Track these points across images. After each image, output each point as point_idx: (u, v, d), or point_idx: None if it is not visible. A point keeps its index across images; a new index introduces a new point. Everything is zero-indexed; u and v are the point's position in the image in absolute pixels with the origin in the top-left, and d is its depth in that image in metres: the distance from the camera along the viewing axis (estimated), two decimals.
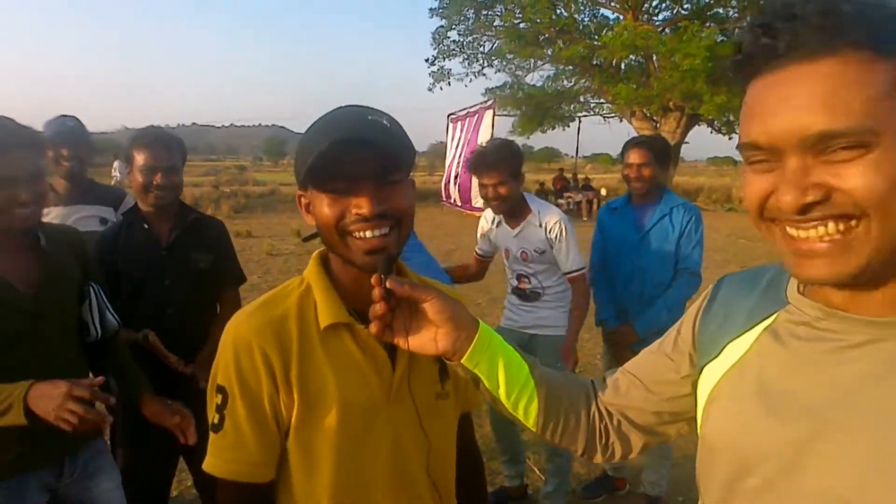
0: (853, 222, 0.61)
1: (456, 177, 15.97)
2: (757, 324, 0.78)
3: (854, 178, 0.59)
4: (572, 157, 22.50)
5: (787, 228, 0.65)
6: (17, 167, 1.53)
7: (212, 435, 0.98)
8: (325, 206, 0.90)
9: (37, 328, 1.54)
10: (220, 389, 0.96)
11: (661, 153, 2.85)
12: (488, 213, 2.98)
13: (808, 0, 0.60)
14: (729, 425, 0.77)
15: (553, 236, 2.68)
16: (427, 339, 0.88)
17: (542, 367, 0.97)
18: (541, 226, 2.70)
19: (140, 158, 2.12)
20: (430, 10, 21.70)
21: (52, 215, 2.50)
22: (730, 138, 19.21)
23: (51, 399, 1.44)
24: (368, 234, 0.90)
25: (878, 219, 0.59)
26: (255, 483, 0.96)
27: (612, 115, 21.28)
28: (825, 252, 0.62)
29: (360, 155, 0.87)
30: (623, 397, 0.97)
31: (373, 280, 0.84)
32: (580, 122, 21.34)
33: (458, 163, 17.09)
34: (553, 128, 22.72)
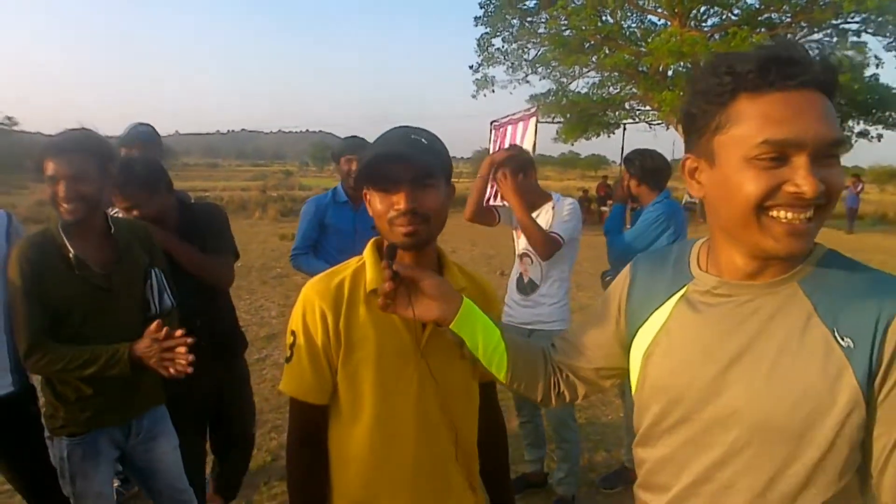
0: (815, 210, 0.84)
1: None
2: (673, 294, 1.03)
3: (835, 177, 0.83)
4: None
5: (786, 213, 0.83)
6: (66, 166, 1.78)
7: (285, 365, 1.29)
8: (377, 202, 1.20)
9: (109, 302, 1.80)
10: (292, 333, 1.27)
11: (648, 170, 3.09)
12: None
13: (813, 50, 0.85)
14: (661, 374, 1.02)
15: (558, 209, 2.87)
16: (426, 309, 1.15)
17: (510, 333, 1.24)
18: (554, 209, 2.89)
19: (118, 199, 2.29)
20: (476, 18, 21.89)
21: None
22: None
23: (149, 350, 1.75)
24: (405, 225, 1.16)
25: (829, 208, 0.85)
26: (310, 403, 1.27)
27: (658, 122, 21.00)
28: (806, 231, 0.84)
29: (397, 165, 1.15)
30: (566, 357, 1.25)
31: (381, 264, 1.14)
32: (625, 129, 21.09)
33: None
34: (598, 135, 22.55)
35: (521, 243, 2.97)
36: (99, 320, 1.86)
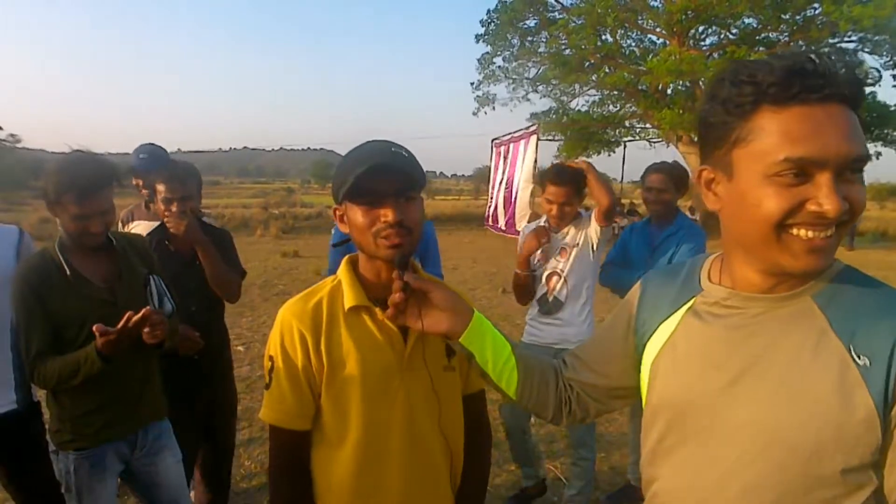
0: (837, 226, 0.81)
1: (504, 200, 16.08)
2: (681, 307, 1.01)
3: (858, 194, 0.80)
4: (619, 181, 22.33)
5: (807, 232, 0.80)
6: (96, 205, 1.85)
7: (265, 392, 1.26)
8: (360, 215, 1.17)
9: (113, 314, 1.78)
10: (270, 358, 1.25)
11: (679, 179, 3.03)
12: (528, 228, 3.08)
13: (840, 61, 0.80)
14: (669, 386, 0.99)
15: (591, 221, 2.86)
16: (434, 322, 1.12)
17: (521, 349, 1.20)
18: (581, 220, 2.89)
19: (161, 190, 2.45)
20: (476, 36, 22.16)
21: (141, 227, 2.83)
22: None
23: (109, 340, 1.72)
24: (392, 237, 1.15)
25: (850, 224, 0.83)
26: (292, 430, 1.23)
27: (658, 139, 21.14)
28: (826, 247, 0.81)
29: (386, 177, 1.14)
30: (577, 374, 1.20)
31: (393, 275, 1.12)
32: (625, 146, 21.23)
33: (503, 187, 17.23)
34: (598, 153, 22.68)
35: (550, 264, 2.93)
36: None
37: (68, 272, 1.87)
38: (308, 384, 1.22)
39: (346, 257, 1.32)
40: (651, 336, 1.04)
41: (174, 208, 2.43)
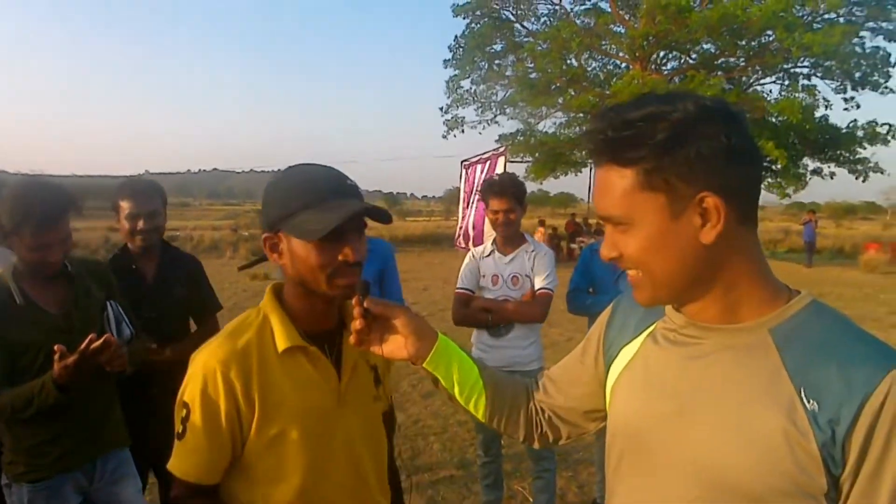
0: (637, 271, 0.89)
1: (474, 221, 16.14)
2: (643, 331, 1.00)
3: (624, 245, 0.87)
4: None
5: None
6: (54, 235, 1.83)
7: (176, 441, 1.16)
8: (313, 253, 1.09)
9: (69, 341, 1.76)
10: (185, 405, 1.13)
11: None
12: (476, 250, 3.18)
13: (594, 126, 0.86)
14: (622, 411, 0.99)
15: (538, 261, 2.92)
16: (397, 347, 1.10)
17: (490, 370, 1.18)
18: (531, 255, 2.95)
19: (125, 206, 2.40)
20: (445, 60, 22.47)
21: None
22: None
23: (65, 364, 1.68)
24: (349, 276, 1.11)
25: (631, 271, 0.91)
26: (201, 484, 1.15)
27: None
28: (634, 283, 0.91)
29: (356, 216, 1.09)
30: (549, 397, 1.18)
31: (353, 301, 1.06)
32: (592, 167, 21.56)
33: (474, 208, 17.32)
34: (566, 174, 23.03)
35: (498, 290, 2.98)
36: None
37: (20, 300, 1.84)
38: (230, 434, 1.13)
39: (270, 287, 1.25)
40: (615, 359, 1.03)
41: (141, 225, 2.38)
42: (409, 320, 1.09)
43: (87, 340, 1.67)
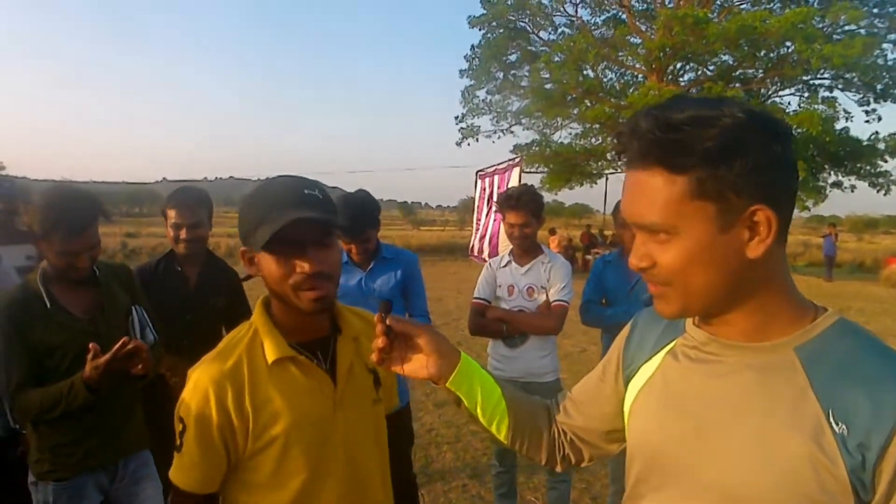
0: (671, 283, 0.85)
1: (491, 231, 16.15)
2: (662, 348, 0.97)
3: (661, 254, 0.83)
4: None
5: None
6: (84, 242, 1.89)
7: (175, 453, 1.20)
8: (273, 265, 1.11)
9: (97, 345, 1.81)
10: (181, 420, 1.17)
11: None
12: (493, 260, 3.19)
13: (639, 125, 0.80)
14: (641, 430, 0.96)
15: (553, 273, 2.94)
16: (419, 366, 1.06)
17: (512, 390, 1.14)
18: (547, 266, 2.97)
19: (171, 215, 2.53)
20: (461, 70, 22.57)
21: None
22: None
23: (96, 365, 1.74)
24: (313, 289, 1.11)
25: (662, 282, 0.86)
26: (198, 494, 1.18)
27: None
28: (658, 295, 0.87)
29: (303, 226, 1.08)
30: (569, 418, 1.15)
31: (375, 318, 1.03)
32: (607, 179, 21.51)
33: (491, 219, 17.34)
34: (581, 184, 22.95)
35: (513, 301, 3.00)
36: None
37: (49, 304, 1.89)
38: (224, 448, 1.16)
39: (260, 300, 1.26)
40: (634, 376, 1.01)
41: (183, 235, 2.50)
42: (431, 339, 1.05)
43: (119, 343, 1.73)
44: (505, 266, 3.06)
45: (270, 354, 1.17)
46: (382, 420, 1.35)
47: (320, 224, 1.11)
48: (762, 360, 0.82)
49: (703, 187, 0.77)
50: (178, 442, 1.18)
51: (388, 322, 1.03)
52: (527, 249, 3.00)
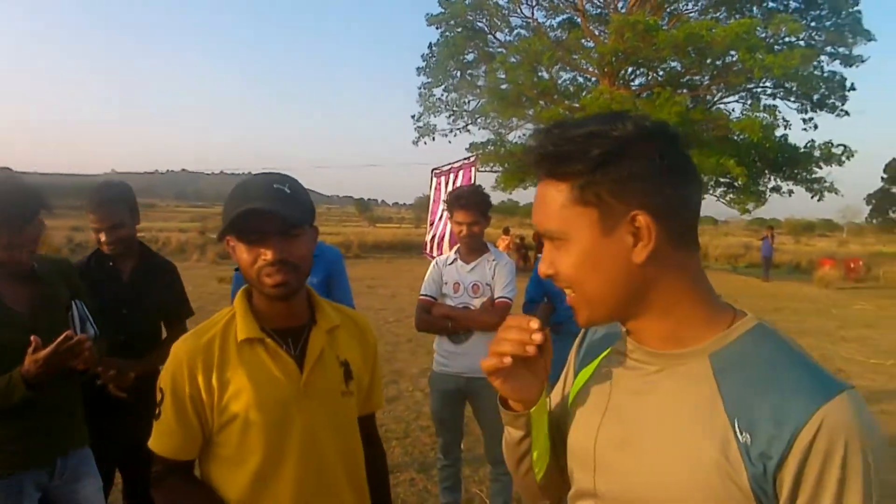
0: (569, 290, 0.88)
1: (441, 230, 16.24)
2: (599, 355, 0.98)
3: (560, 260, 0.86)
4: None
5: None
6: (26, 237, 1.85)
7: (154, 421, 1.29)
8: (243, 253, 1.21)
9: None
10: (160, 390, 1.27)
11: None
12: (440, 258, 3.26)
13: (539, 140, 0.87)
14: (574, 436, 0.96)
15: (498, 271, 3.03)
16: (524, 385, 0.93)
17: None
18: (493, 264, 3.06)
19: (90, 217, 2.44)
20: (418, 68, 22.63)
21: None
22: (703, 198, 20.00)
23: (36, 359, 1.72)
24: (274, 275, 1.20)
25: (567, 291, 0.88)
26: (176, 459, 1.28)
27: None
28: (572, 303, 0.89)
29: (264, 217, 1.17)
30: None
31: (535, 322, 0.89)
32: None
33: (442, 216, 17.40)
34: (535, 184, 23.14)
35: (459, 298, 3.06)
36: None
37: None
38: (197, 417, 1.25)
39: (243, 288, 1.35)
40: (575, 380, 1.01)
41: (104, 238, 2.41)
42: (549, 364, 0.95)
43: (62, 337, 1.72)
44: (451, 264, 3.13)
45: (241, 333, 1.27)
46: (350, 413, 1.39)
47: (269, 215, 1.18)
48: (678, 367, 0.83)
49: (584, 193, 0.81)
50: (157, 411, 1.27)
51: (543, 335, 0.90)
52: (473, 248, 3.08)
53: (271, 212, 1.17)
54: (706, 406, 0.78)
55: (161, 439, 1.27)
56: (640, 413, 0.85)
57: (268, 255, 1.19)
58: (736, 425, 0.75)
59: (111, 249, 2.45)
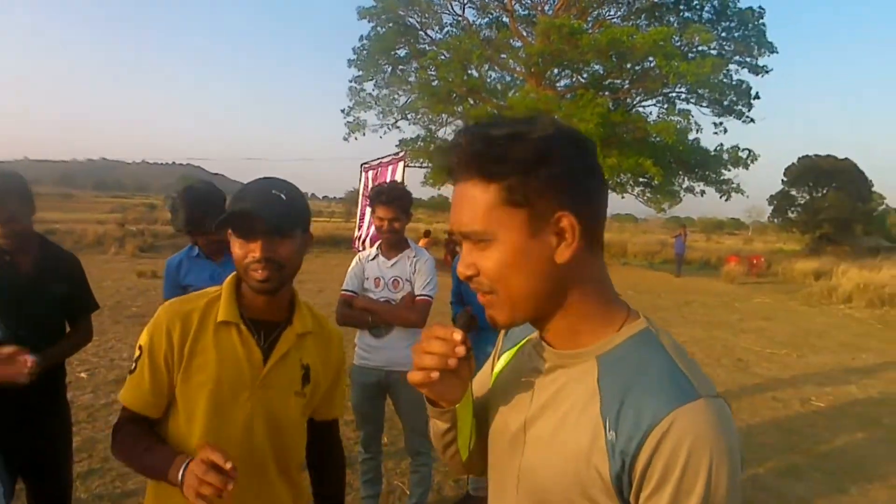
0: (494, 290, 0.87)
1: (369, 224, 16.26)
2: (517, 344, 1.03)
3: (484, 262, 0.85)
4: None
5: None
6: None
7: (128, 375, 1.39)
8: (236, 247, 1.33)
9: None
10: (140, 347, 1.36)
11: None
12: (362, 254, 3.31)
13: (461, 140, 0.85)
14: (489, 418, 1.01)
15: (419, 267, 3.11)
16: (449, 387, 0.94)
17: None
18: (413, 260, 3.14)
19: None
20: (349, 60, 22.46)
21: None
22: (622, 197, 20.97)
23: None
24: (259, 271, 1.31)
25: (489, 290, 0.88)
26: (142, 414, 1.37)
27: None
28: (487, 304, 0.89)
29: (254, 218, 1.28)
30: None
31: (458, 333, 0.90)
32: None
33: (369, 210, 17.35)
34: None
35: (380, 293, 3.13)
36: None
37: None
38: (167, 376, 1.35)
39: (232, 275, 1.43)
40: (496, 365, 1.06)
41: None
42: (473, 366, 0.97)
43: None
44: (373, 259, 3.19)
45: (221, 315, 1.37)
46: (297, 413, 1.45)
47: (257, 217, 1.27)
48: (569, 365, 0.87)
49: (513, 194, 0.81)
50: (133, 366, 1.36)
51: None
52: (394, 244, 3.14)
53: (259, 214, 1.27)
54: (586, 404, 0.83)
55: (132, 392, 1.36)
56: (537, 405, 0.90)
57: (256, 252, 1.29)
58: (607, 423, 0.79)
59: (6, 243, 2.34)
